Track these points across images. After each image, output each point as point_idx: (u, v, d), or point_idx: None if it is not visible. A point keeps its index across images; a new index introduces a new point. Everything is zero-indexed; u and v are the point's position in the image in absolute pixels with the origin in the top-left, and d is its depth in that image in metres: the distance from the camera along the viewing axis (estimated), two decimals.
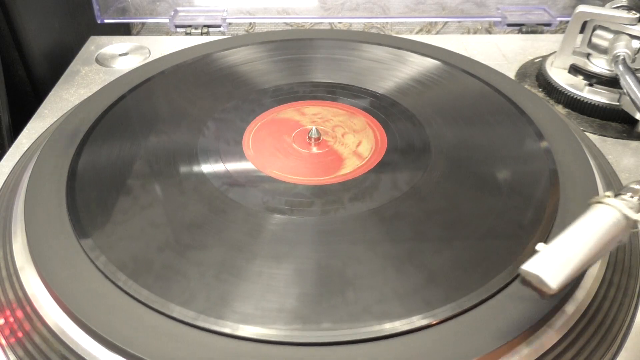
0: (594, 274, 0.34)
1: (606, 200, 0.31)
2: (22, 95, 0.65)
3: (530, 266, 0.28)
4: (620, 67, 0.48)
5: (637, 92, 0.44)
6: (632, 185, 0.33)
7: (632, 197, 0.32)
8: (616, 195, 0.32)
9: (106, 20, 0.74)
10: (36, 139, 0.50)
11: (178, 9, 0.75)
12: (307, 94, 0.51)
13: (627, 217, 0.30)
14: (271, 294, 0.32)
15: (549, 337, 0.31)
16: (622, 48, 0.50)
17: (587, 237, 0.29)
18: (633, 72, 0.47)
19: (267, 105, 0.50)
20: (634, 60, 0.52)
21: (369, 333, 0.29)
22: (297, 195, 0.40)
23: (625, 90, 0.46)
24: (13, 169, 0.46)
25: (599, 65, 0.54)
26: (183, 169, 0.42)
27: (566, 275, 0.28)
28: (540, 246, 0.30)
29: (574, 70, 0.56)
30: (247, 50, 0.57)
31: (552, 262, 0.29)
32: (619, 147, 0.49)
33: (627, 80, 0.46)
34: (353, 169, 0.42)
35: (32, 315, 0.33)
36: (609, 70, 0.53)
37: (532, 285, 0.29)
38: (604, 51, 0.53)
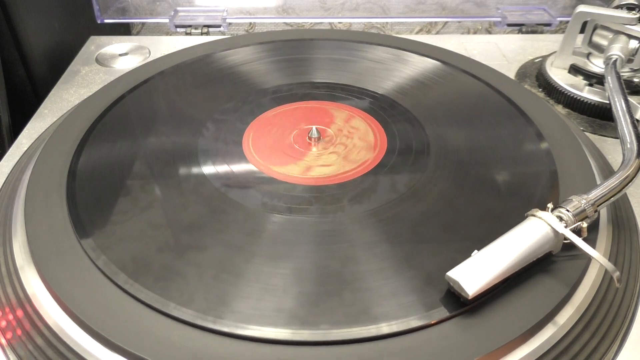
0: (594, 274, 0.34)
1: (538, 213, 0.33)
2: (22, 95, 0.65)
3: (453, 273, 0.30)
4: (609, 69, 0.48)
5: (615, 97, 0.45)
6: (570, 198, 0.34)
7: (568, 210, 0.33)
8: (554, 208, 0.33)
9: (106, 20, 0.74)
10: (36, 139, 0.50)
11: (178, 9, 0.75)
12: (307, 94, 0.51)
13: (555, 231, 0.32)
14: (270, 294, 0.32)
15: (549, 338, 0.31)
16: (616, 51, 0.50)
17: (513, 249, 0.31)
18: (619, 77, 0.47)
19: (267, 106, 0.50)
20: (630, 61, 0.52)
21: (367, 334, 0.29)
22: (297, 196, 0.40)
23: (606, 93, 0.47)
24: (13, 169, 0.46)
25: (599, 65, 0.54)
26: (183, 169, 0.42)
27: (484, 284, 0.30)
28: (475, 253, 0.31)
29: (574, 70, 0.56)
30: (247, 50, 0.57)
31: (474, 270, 0.30)
32: (619, 147, 0.49)
33: (610, 84, 0.47)
34: (352, 170, 0.42)
35: (32, 314, 0.33)
36: None
37: (455, 290, 0.31)
38: (604, 50, 0.53)
